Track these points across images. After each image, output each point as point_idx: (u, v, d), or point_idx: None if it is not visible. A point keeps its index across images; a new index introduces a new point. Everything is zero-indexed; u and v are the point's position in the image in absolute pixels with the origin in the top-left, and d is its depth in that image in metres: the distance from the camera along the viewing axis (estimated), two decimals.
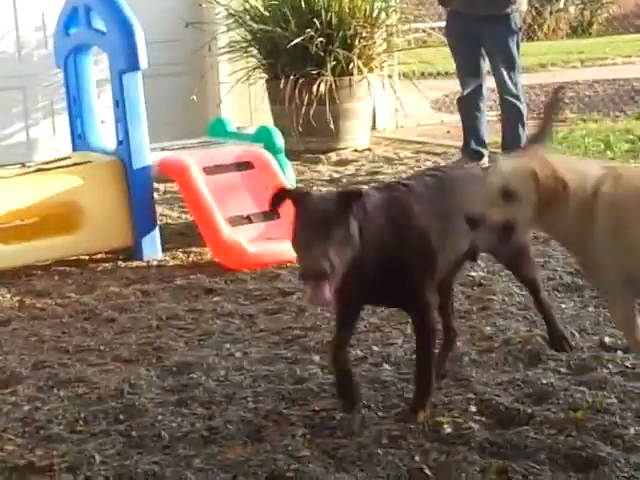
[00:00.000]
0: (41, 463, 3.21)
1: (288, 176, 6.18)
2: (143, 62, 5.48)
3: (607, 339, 4.07)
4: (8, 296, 5.07)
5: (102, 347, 4.30)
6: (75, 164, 5.72)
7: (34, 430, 3.49)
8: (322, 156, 8.24)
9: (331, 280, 3.09)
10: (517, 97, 7.43)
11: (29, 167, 6.01)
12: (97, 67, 6.11)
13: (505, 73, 7.36)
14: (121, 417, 3.54)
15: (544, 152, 3.29)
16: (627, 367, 3.78)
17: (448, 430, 3.33)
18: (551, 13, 18.12)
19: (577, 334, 4.13)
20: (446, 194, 3.56)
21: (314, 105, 8.16)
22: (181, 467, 3.15)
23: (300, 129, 8.07)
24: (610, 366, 3.79)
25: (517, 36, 7.40)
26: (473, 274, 5.05)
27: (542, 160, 3.17)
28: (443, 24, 8.07)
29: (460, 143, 7.81)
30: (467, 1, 7.27)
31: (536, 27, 17.44)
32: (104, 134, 6.06)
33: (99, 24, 5.66)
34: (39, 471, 3.18)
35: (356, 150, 8.51)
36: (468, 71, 7.57)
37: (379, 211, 3.35)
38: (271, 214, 5.58)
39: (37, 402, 3.72)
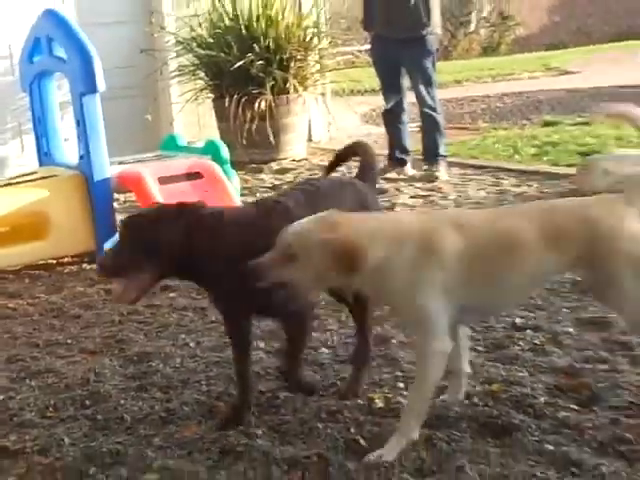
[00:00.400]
0: (15, 447, 3.19)
1: (234, 184, 6.17)
2: (101, 85, 5.43)
3: (518, 320, 4.11)
4: None
5: (69, 341, 4.28)
6: (42, 178, 5.68)
7: (8, 417, 3.46)
8: (264, 166, 8.25)
9: (132, 281, 3.08)
10: (434, 109, 7.46)
11: (0, 181, 5.95)
12: (60, 91, 6.05)
13: (423, 89, 7.39)
14: (87, 403, 3.52)
15: (345, 216, 2.87)
16: (536, 344, 3.83)
17: (380, 405, 3.35)
18: (464, 35, 18.29)
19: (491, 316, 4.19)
20: (315, 207, 3.14)
21: (256, 121, 8.17)
22: (142, 446, 3.13)
23: (244, 142, 8.06)
24: (521, 344, 3.84)
25: (433, 56, 7.44)
26: None
27: (336, 225, 2.80)
28: (369, 47, 8.10)
29: (386, 152, 7.83)
30: (387, 25, 7.30)
31: (451, 48, 17.60)
32: (67, 151, 6.01)
33: (60, 52, 5.60)
34: (13, 454, 3.14)
35: (294, 160, 8.52)
36: (390, 88, 7.61)
37: (212, 227, 3.16)
38: None
39: (10, 392, 3.70)
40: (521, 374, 3.50)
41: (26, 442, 3.22)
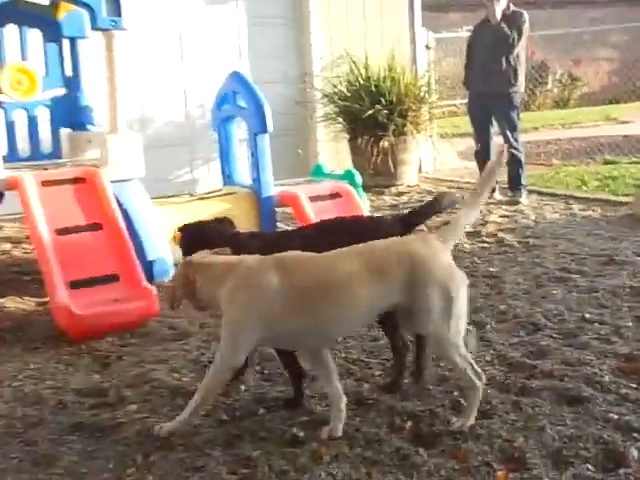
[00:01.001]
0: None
1: (364, 202, 6.17)
2: (270, 127, 5.51)
3: (587, 315, 3.98)
4: None
5: None
6: (225, 194, 5.77)
7: (200, 368, 3.46)
8: (385, 189, 8.21)
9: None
10: (517, 149, 7.32)
11: (194, 196, 6.09)
12: (239, 130, 6.16)
13: (509, 133, 7.25)
14: (257, 361, 3.45)
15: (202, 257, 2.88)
16: (601, 334, 3.70)
17: None
18: (540, 92, 17.84)
19: (565, 311, 4.06)
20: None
21: (380, 155, 8.17)
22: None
23: (371, 171, 8.05)
24: (589, 333, 3.72)
25: (517, 109, 7.30)
26: (491, 269, 4.98)
27: (188, 264, 2.87)
28: (466, 101, 8.02)
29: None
30: (483, 84, 7.21)
31: (530, 102, 17.21)
32: (243, 174, 6.11)
33: (241, 102, 5.71)
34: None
35: (408, 185, 8.46)
36: (481, 133, 7.50)
37: None
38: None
39: (202, 349, 3.73)
40: (589, 357, 3.39)
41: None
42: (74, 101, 5.25)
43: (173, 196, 6.24)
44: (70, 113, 5.27)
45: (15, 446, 2.80)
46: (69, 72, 5.26)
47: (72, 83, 5.24)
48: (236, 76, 5.75)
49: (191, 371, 3.46)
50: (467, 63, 7.54)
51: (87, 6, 4.69)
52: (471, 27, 7.84)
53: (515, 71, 7.12)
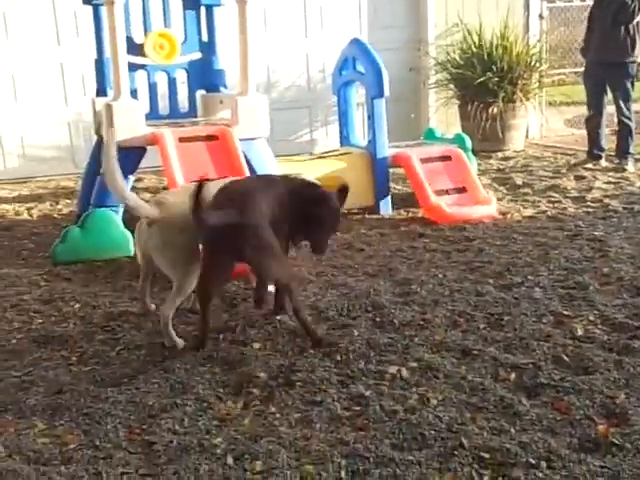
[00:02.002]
0: (321, 334, 3.27)
1: (473, 165, 6.03)
2: (386, 92, 5.44)
3: None
4: None
5: (356, 266, 4.29)
6: (341, 154, 5.76)
7: (317, 313, 3.48)
8: (492, 154, 7.96)
9: None
10: (629, 118, 6.94)
11: (313, 156, 6.12)
12: (357, 94, 6.11)
13: (622, 103, 6.88)
14: (369, 309, 3.53)
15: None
16: None
17: (580, 332, 3.19)
18: None
19: None
20: None
21: (489, 121, 7.91)
22: (405, 341, 3.12)
23: (479, 136, 7.83)
24: None
25: (633, 78, 6.90)
26: (595, 233, 4.77)
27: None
28: (576, 70, 7.65)
29: (585, 149, 7.39)
30: (600, 52, 6.84)
31: None
32: (359, 136, 6.07)
33: (360, 68, 5.65)
34: (317, 339, 3.25)
35: (515, 151, 8.17)
36: (595, 101, 7.11)
37: None
38: (461, 189, 5.55)
39: (318, 296, 3.73)
40: None
41: (327, 329, 3.30)
42: (209, 65, 5.33)
43: (295, 155, 6.27)
44: (205, 76, 5.35)
45: (155, 372, 2.94)
46: (205, 38, 5.33)
47: (208, 48, 5.31)
48: (356, 43, 5.69)
49: (309, 315, 3.49)
50: (587, 31, 7.18)
51: None
52: None
53: (633, 41, 6.74)
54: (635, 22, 6.68)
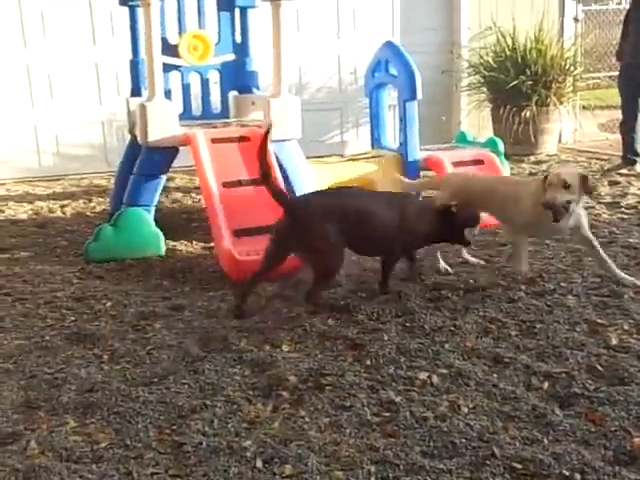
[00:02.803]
0: (353, 337, 3.27)
1: (506, 169, 5.96)
2: (419, 95, 5.42)
3: None
4: None
5: None
6: (372, 157, 5.75)
7: (346, 314, 3.52)
8: (525, 158, 7.88)
9: None
10: None
11: (344, 158, 6.10)
12: (389, 97, 6.08)
13: None
14: (399, 314, 3.47)
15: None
16: None
17: (614, 342, 3.12)
18: None
19: None
20: None
21: (522, 125, 7.83)
22: (436, 347, 3.09)
23: (511, 140, 7.76)
24: None
25: None
26: (630, 240, 4.69)
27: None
28: (611, 74, 7.54)
29: (619, 154, 7.28)
30: (634, 55, 6.75)
31: None
32: (391, 138, 6.04)
33: (393, 71, 5.63)
34: (352, 347, 3.21)
35: (548, 155, 8.08)
36: (630, 105, 7.00)
37: None
38: None
39: (348, 300, 3.70)
40: None
41: (357, 333, 3.27)
42: (242, 66, 5.35)
43: (325, 156, 6.27)
44: (238, 77, 5.37)
45: (185, 373, 2.95)
46: (239, 39, 5.35)
47: (241, 49, 5.33)
48: (390, 45, 5.67)
49: (338, 318, 3.48)
50: (622, 34, 7.08)
51: None
52: (622, 0, 7.31)
53: None
54: None
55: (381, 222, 3.65)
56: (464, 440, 2.41)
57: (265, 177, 3.49)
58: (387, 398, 2.69)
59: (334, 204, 3.57)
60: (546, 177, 3.66)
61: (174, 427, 2.55)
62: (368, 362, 3.00)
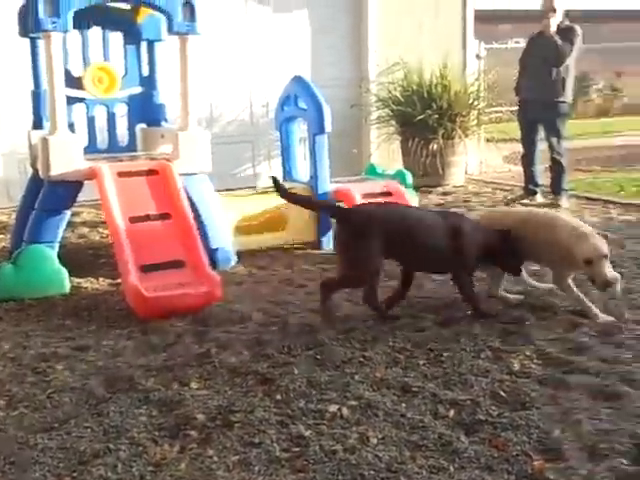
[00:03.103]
0: (262, 370, 3.20)
1: (413, 201, 6.10)
2: (328, 128, 5.48)
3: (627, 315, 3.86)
4: (242, 267, 5.08)
5: (298, 302, 4.25)
6: None
7: (258, 350, 3.44)
8: (433, 189, 8.12)
9: None
10: (561, 155, 7.16)
11: (256, 190, 6.10)
12: (299, 130, 6.15)
13: (555, 140, 7.10)
14: (310, 346, 3.47)
15: None
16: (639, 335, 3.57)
17: (517, 367, 3.22)
18: (584, 102, 17.48)
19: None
20: None
21: (430, 157, 8.08)
22: (346, 379, 3.10)
23: (420, 172, 7.98)
24: (627, 333, 3.59)
25: (564, 117, 7.14)
26: (532, 268, 4.86)
27: None
28: (512, 108, 7.92)
29: (521, 184, 7.60)
30: (533, 92, 7.07)
31: (574, 111, 16.89)
32: (302, 171, 6.09)
33: (302, 104, 5.69)
34: (253, 373, 3.20)
35: (454, 186, 8.34)
36: (529, 138, 7.32)
37: None
38: None
39: (260, 331, 3.69)
40: (626, 355, 3.29)
41: (267, 367, 3.25)
42: (150, 99, 5.30)
43: (238, 189, 6.26)
44: (146, 110, 5.32)
45: (88, 416, 2.84)
46: (146, 72, 5.31)
47: (148, 82, 5.29)
48: (298, 80, 5.74)
49: (250, 353, 3.45)
50: (520, 71, 7.40)
51: (165, 12, 4.72)
52: (520, 39, 7.70)
53: (564, 82, 6.97)
54: (566, 64, 6.93)
55: (432, 237, 3.84)
56: (372, 472, 2.41)
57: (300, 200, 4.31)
58: (297, 433, 2.68)
59: (386, 215, 3.86)
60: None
61: (74, 474, 2.44)
62: (278, 397, 2.97)
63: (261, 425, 2.74)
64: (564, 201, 7.12)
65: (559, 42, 6.85)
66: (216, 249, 4.86)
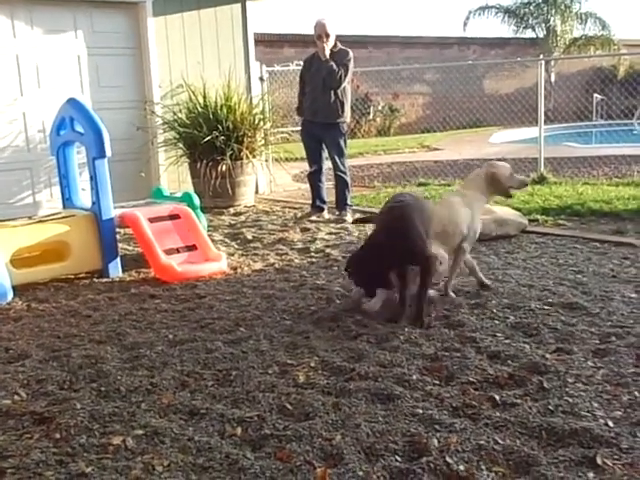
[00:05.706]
0: (41, 410, 3.05)
1: (203, 223, 6.11)
2: (108, 152, 5.32)
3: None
4: (20, 302, 4.82)
5: (82, 334, 4.10)
6: (64, 217, 5.52)
7: (36, 386, 3.31)
8: (224, 210, 8.20)
9: None
10: (344, 173, 7.53)
11: (34, 219, 5.78)
12: (78, 155, 5.93)
13: (337, 158, 7.46)
14: (94, 378, 3.38)
15: None
16: (411, 338, 3.81)
17: (302, 380, 3.31)
18: (365, 122, 18.53)
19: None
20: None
21: (219, 178, 8.14)
22: (132, 409, 3.04)
23: (210, 193, 8.03)
24: (401, 337, 3.81)
25: (344, 136, 7.51)
26: (317, 282, 5.05)
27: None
28: (297, 129, 8.20)
29: (310, 202, 7.88)
30: (314, 114, 7.38)
31: (356, 130, 17.81)
32: (83, 198, 5.88)
33: (79, 128, 5.50)
34: (39, 414, 3.02)
35: (246, 206, 8.48)
36: (313, 157, 7.65)
37: None
38: (192, 247, 5.59)
39: (39, 370, 3.53)
40: (400, 359, 3.52)
41: (46, 406, 3.10)
42: None
43: (17, 219, 5.89)
44: None
45: None
46: None
47: None
48: (72, 102, 5.54)
49: (27, 392, 3.26)
50: (300, 92, 7.67)
51: None
52: (301, 62, 8.00)
53: (342, 103, 7.33)
54: (342, 86, 7.33)
55: None
56: None
57: None
58: (77, 470, 2.56)
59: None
60: (491, 173, 4.52)
61: None
62: (57, 435, 2.83)
63: (37, 468, 2.59)
64: (348, 216, 7.49)
65: (334, 67, 7.23)
66: None
